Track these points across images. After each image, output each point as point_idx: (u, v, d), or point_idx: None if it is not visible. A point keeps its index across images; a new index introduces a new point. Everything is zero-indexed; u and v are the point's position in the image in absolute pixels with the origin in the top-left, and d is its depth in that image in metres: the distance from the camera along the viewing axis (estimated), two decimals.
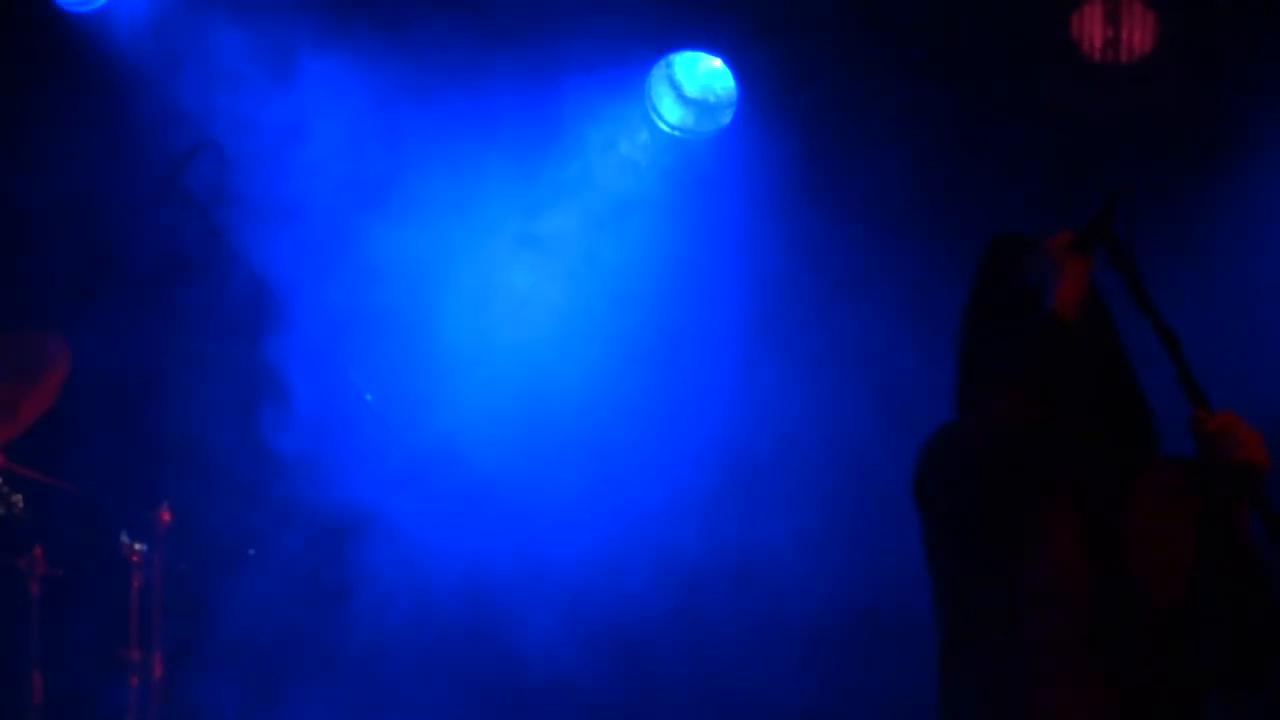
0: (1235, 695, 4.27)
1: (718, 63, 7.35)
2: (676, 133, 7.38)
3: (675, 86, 7.38)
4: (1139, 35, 7.16)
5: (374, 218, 7.24)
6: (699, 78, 7.41)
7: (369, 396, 6.88)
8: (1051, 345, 4.31)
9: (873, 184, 7.25)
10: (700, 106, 7.39)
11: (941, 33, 7.21)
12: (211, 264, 6.87)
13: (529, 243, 7.31)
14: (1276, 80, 7.07)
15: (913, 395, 6.53)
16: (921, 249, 7.17)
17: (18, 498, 6.59)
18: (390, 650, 7.31)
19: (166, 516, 6.71)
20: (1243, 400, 4.81)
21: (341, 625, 7.26)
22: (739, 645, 7.42)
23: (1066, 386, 4.30)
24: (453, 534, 7.26)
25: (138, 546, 6.67)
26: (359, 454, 7.02)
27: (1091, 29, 7.17)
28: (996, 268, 4.64)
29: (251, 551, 7.19)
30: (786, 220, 7.34)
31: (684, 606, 7.42)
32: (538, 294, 7.35)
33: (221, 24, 7.13)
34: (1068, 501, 4.29)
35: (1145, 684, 4.21)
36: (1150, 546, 4.28)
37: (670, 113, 7.38)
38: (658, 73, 7.37)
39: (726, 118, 7.35)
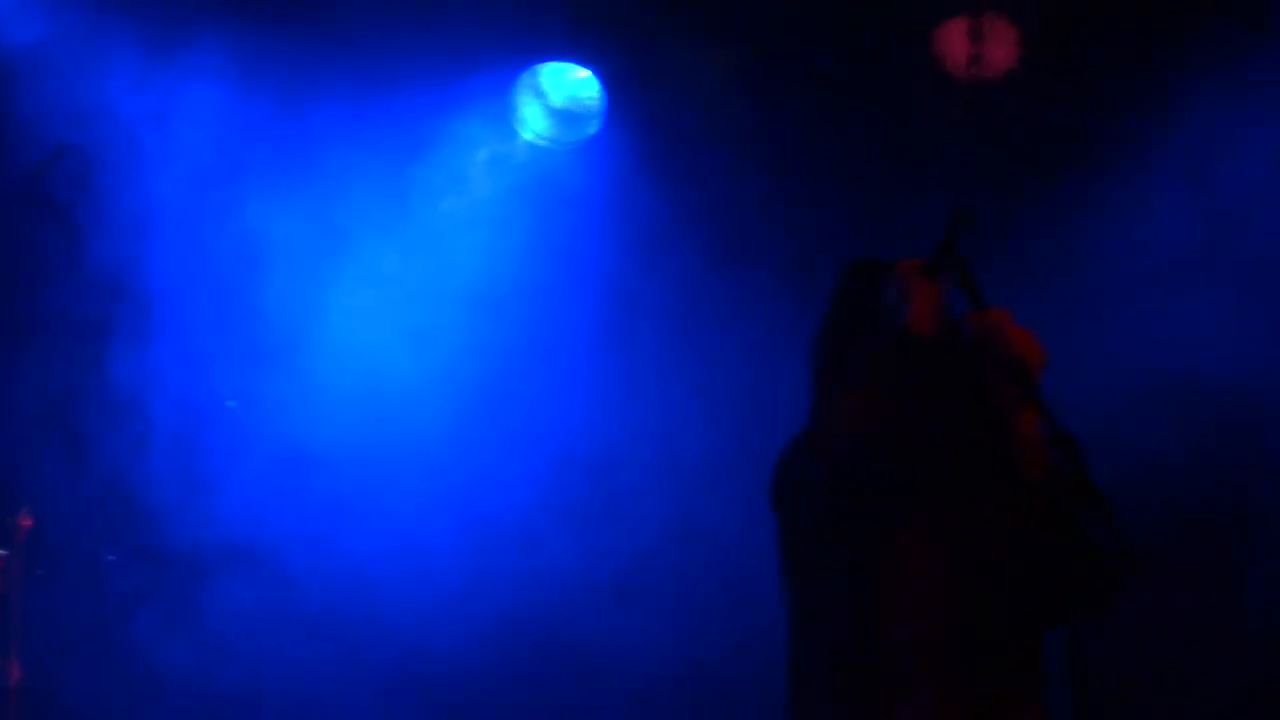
0: (1082, 627, 4.33)
1: (584, 73, 7.35)
2: (542, 141, 7.37)
3: (542, 96, 7.37)
4: (1001, 52, 7.21)
5: (237, 223, 7.18)
6: (566, 88, 7.40)
7: (231, 402, 6.86)
8: (904, 358, 4.41)
9: (732, 200, 7.28)
10: (566, 116, 7.38)
11: (805, 50, 7.23)
12: (70, 269, 6.83)
13: (392, 248, 7.29)
14: (1135, 97, 7.13)
15: (758, 405, 6.57)
16: (776, 266, 7.21)
17: None
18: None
19: (27, 523, 6.66)
20: (1085, 415, 4.89)
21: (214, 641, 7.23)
22: (594, 637, 7.45)
23: (919, 396, 4.37)
24: (316, 536, 7.23)
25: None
26: (223, 462, 7.00)
27: (955, 46, 7.21)
28: (852, 290, 4.71)
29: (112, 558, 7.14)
30: (645, 232, 7.36)
31: (541, 599, 7.44)
32: (399, 299, 7.33)
33: (90, 28, 7.07)
34: (922, 506, 4.35)
35: (996, 673, 4.28)
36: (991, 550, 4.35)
37: (536, 122, 7.37)
38: (525, 82, 7.36)
39: (592, 128, 7.34)
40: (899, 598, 4.29)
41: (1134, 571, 4.20)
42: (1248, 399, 6.98)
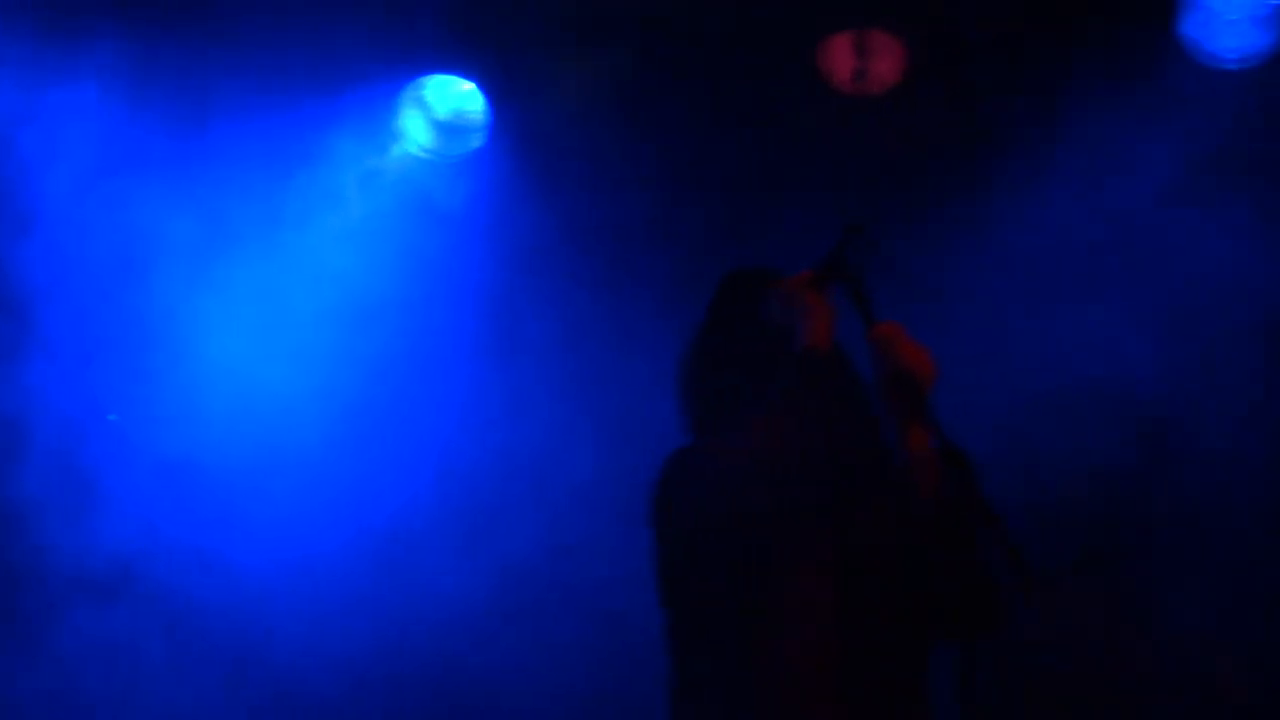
0: (968, 644, 4.32)
1: (469, 86, 7.30)
2: (425, 154, 7.32)
3: (426, 109, 7.32)
4: (887, 66, 7.23)
5: (117, 233, 7.09)
6: (450, 100, 7.35)
7: (113, 416, 6.78)
8: (806, 379, 4.35)
9: (616, 214, 7.27)
10: (450, 129, 7.33)
11: (692, 64, 7.22)
12: None
13: (273, 261, 7.22)
14: (1023, 110, 7.18)
15: (641, 422, 6.54)
16: (660, 282, 7.21)
17: None
18: None
19: None
20: (979, 427, 4.90)
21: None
22: (474, 653, 7.40)
23: (821, 417, 4.32)
24: (200, 551, 7.15)
25: None
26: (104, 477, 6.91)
27: (840, 61, 7.22)
28: (733, 304, 4.67)
29: None
30: (526, 246, 7.34)
31: (422, 615, 7.37)
32: (282, 312, 7.26)
33: None
34: (817, 527, 4.31)
35: (887, 692, 4.27)
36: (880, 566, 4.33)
37: (419, 134, 7.32)
38: (409, 94, 7.31)
39: (476, 141, 7.30)
40: (790, 619, 4.27)
41: (1027, 589, 4.20)
42: (1143, 405, 7.04)
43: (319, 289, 7.30)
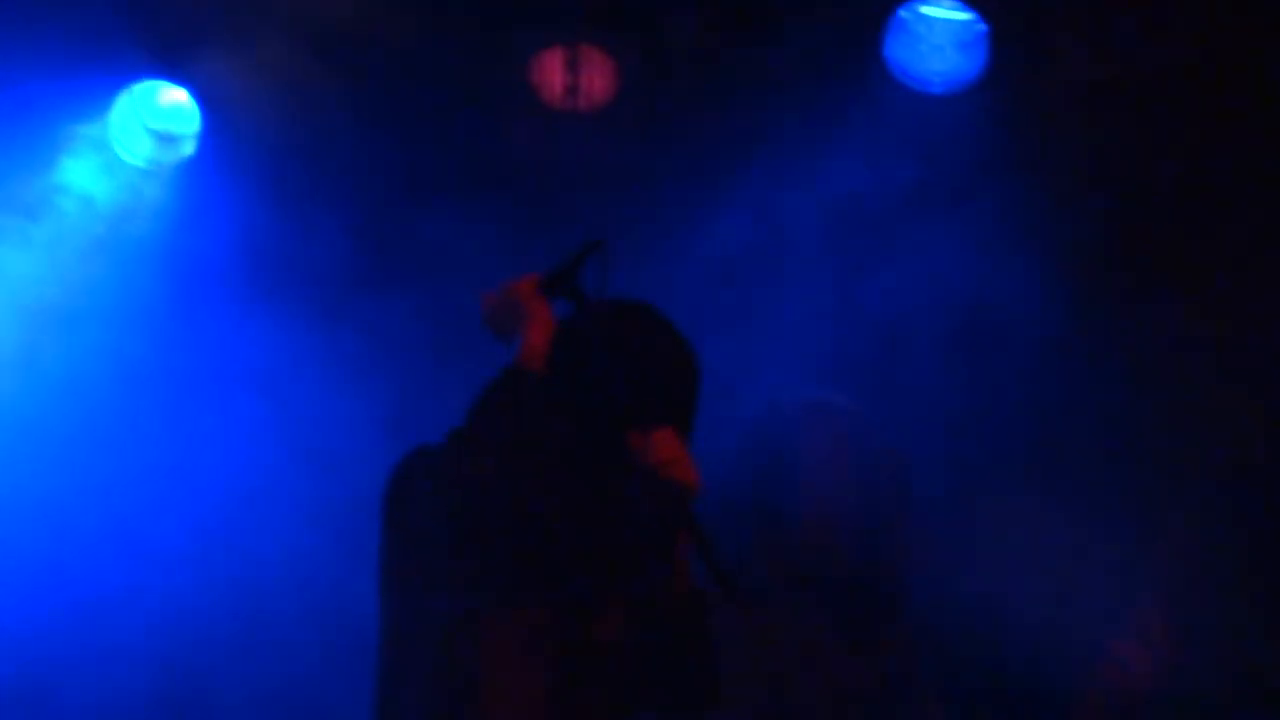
0: None
1: (182, 94, 7.23)
2: (140, 163, 7.24)
3: (138, 117, 7.24)
4: (599, 83, 7.24)
5: None
6: (161, 109, 7.28)
7: None
8: (516, 402, 4.19)
9: (328, 232, 7.23)
10: (163, 138, 7.26)
11: (404, 69, 7.20)
12: None
13: None
14: (725, 135, 7.22)
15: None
16: (370, 302, 7.18)
17: None
18: None
19: None
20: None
21: None
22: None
23: (529, 451, 4.15)
24: None
25: None
26: None
27: (551, 76, 7.23)
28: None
29: None
30: (253, 256, 7.28)
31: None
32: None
33: None
34: (527, 581, 4.11)
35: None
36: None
37: (132, 144, 7.24)
38: (121, 103, 7.23)
39: (189, 148, 7.24)
40: (497, 684, 4.13)
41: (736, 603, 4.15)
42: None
43: (40, 298, 7.20)
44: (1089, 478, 6.95)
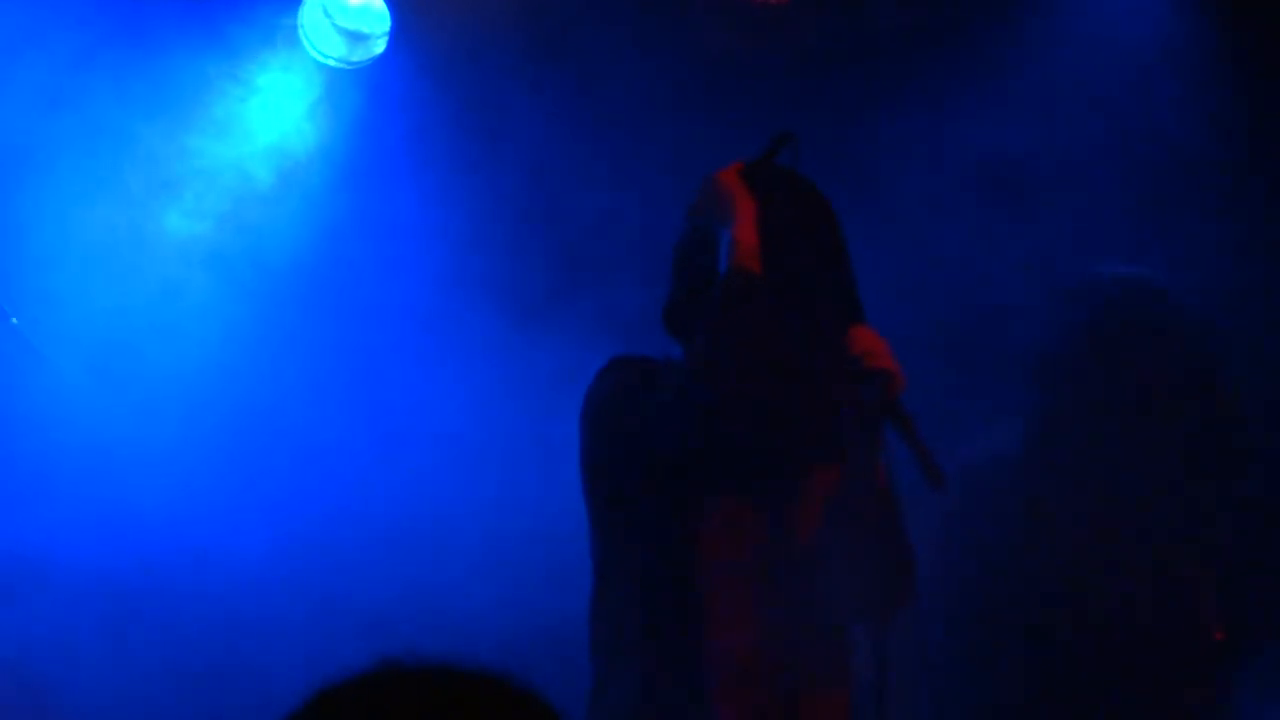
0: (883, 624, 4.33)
1: None
2: (332, 63, 7.26)
3: (328, 16, 7.27)
4: None
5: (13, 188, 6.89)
6: (351, 8, 7.29)
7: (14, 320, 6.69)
8: (734, 307, 4.24)
9: (520, 123, 7.20)
10: (353, 36, 7.28)
11: None
12: None
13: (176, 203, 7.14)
14: (909, 29, 7.16)
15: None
16: (578, 194, 7.15)
17: None
18: None
19: None
20: (906, 315, 4.87)
21: None
22: None
23: (751, 352, 4.22)
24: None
25: None
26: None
27: None
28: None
29: None
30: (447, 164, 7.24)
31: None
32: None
33: None
34: (744, 479, 4.26)
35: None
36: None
37: (325, 43, 7.26)
38: (310, 4, 7.25)
39: (380, 47, 7.26)
40: (709, 575, 4.22)
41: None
42: None
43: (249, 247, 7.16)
44: None
